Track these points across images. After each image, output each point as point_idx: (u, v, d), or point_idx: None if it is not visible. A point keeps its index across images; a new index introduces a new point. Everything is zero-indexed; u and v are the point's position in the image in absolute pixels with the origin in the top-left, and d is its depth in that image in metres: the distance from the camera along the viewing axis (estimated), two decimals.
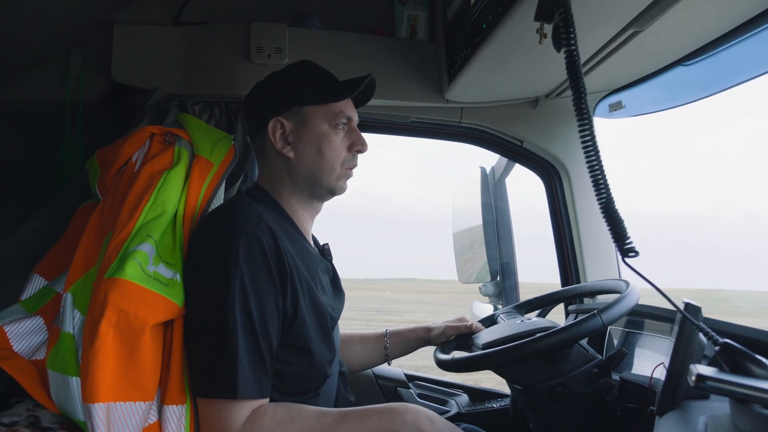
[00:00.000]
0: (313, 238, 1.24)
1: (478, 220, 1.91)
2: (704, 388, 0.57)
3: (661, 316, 1.21)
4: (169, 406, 0.93)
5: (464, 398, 1.63)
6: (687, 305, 0.77)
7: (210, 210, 1.12)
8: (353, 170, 1.17)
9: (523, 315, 1.37)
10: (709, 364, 0.69)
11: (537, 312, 1.44)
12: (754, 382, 0.56)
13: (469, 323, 1.30)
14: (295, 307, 1.00)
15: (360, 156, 1.18)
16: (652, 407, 0.93)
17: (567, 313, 1.55)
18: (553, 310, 1.50)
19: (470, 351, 1.25)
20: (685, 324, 0.78)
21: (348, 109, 1.15)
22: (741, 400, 0.56)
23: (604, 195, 0.72)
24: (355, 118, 1.17)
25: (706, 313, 0.83)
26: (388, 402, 1.56)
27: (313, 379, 1.06)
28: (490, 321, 1.39)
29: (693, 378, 0.57)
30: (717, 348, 0.65)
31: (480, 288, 1.93)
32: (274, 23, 1.46)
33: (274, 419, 0.93)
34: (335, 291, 1.21)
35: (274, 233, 0.99)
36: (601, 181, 0.72)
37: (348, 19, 1.59)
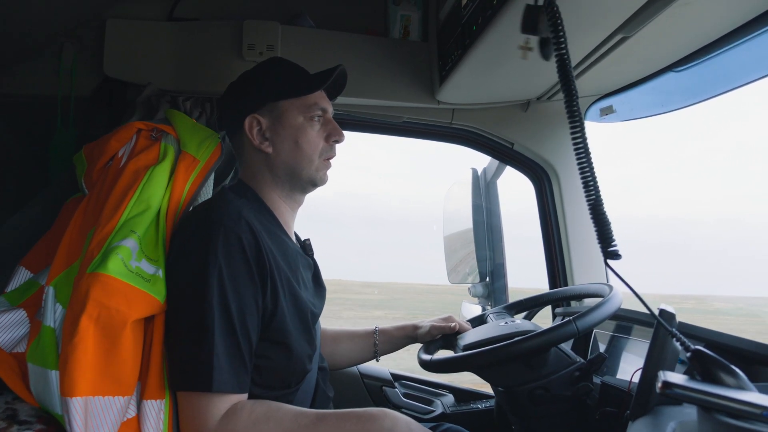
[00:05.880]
0: (296, 234, 1.25)
1: (469, 221, 1.91)
2: (670, 395, 0.57)
3: (646, 321, 1.21)
4: (149, 401, 0.93)
5: (450, 398, 1.63)
6: (662, 311, 0.77)
7: (194, 206, 1.13)
8: (332, 160, 1.18)
9: (512, 315, 1.37)
10: (686, 371, 0.69)
11: (524, 314, 1.44)
12: (719, 390, 0.57)
13: (454, 324, 1.30)
14: (275, 303, 1.01)
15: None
16: (629, 411, 0.93)
17: (554, 316, 1.55)
18: (543, 313, 1.51)
19: (455, 351, 1.25)
20: (660, 330, 0.78)
21: (322, 100, 1.16)
22: (706, 408, 0.57)
23: (593, 196, 0.73)
24: (330, 110, 1.19)
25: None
26: (373, 402, 1.57)
27: (293, 374, 1.06)
28: (479, 320, 1.39)
29: (659, 384, 0.57)
30: (688, 354, 0.66)
31: (469, 289, 1.94)
32: (267, 21, 1.46)
33: (251, 416, 0.93)
34: (316, 287, 1.21)
35: (253, 230, 1.00)
36: (591, 183, 0.74)
37: (341, 19, 1.59)
